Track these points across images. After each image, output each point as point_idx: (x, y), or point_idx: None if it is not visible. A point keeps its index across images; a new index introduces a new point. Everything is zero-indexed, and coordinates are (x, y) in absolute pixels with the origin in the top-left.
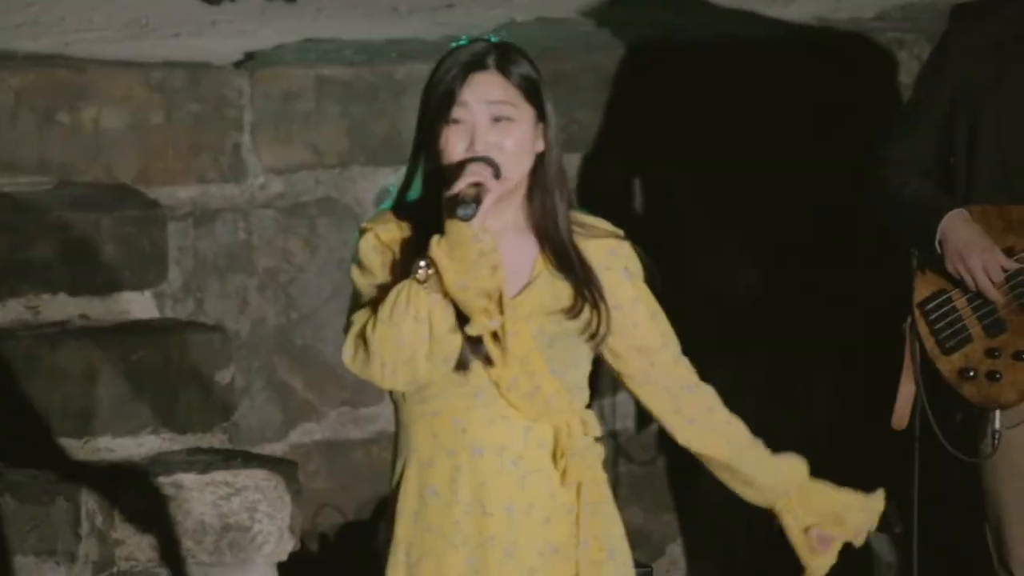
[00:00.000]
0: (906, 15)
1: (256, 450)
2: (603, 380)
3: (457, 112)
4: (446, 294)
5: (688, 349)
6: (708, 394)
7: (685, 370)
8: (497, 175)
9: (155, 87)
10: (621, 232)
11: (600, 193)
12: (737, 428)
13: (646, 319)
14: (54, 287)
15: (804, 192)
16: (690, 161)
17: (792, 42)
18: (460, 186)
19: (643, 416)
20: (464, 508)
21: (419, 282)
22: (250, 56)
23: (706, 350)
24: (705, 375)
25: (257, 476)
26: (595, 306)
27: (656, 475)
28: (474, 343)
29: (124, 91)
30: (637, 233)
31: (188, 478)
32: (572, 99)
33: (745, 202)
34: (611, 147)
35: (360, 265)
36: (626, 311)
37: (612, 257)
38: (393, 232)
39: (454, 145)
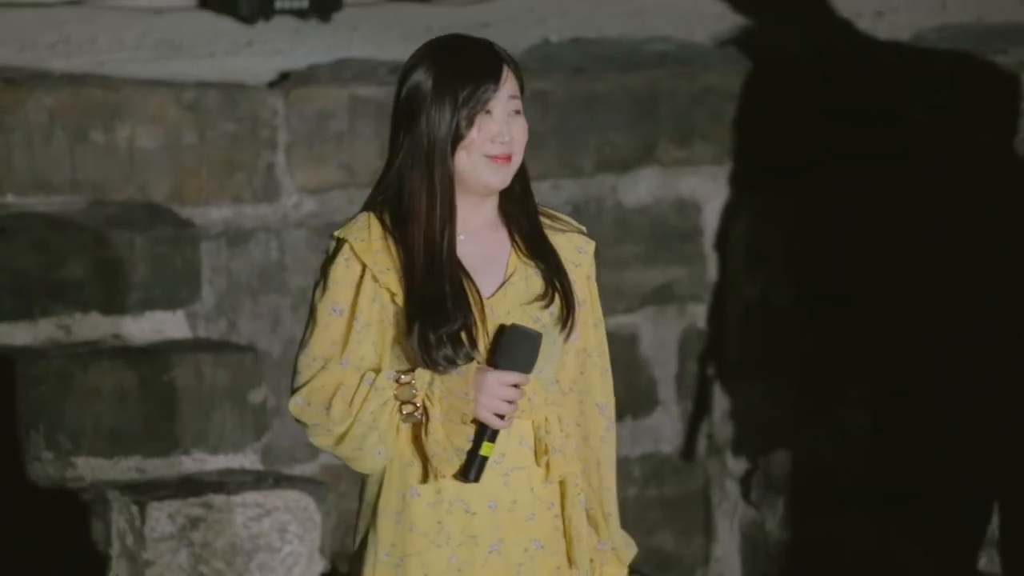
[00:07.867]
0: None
1: (287, 471)
2: (640, 400)
3: (492, 103)
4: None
5: (724, 359)
6: (604, 427)
7: (604, 388)
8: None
9: (189, 107)
10: (585, 229)
11: (636, 213)
12: (605, 475)
13: (591, 324)
14: (86, 306)
15: (880, 207)
16: (730, 179)
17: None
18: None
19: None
20: (447, 508)
21: (402, 417)
22: (284, 76)
23: (741, 362)
24: (739, 387)
25: (288, 497)
26: (565, 295)
27: (688, 499)
28: (455, 342)
29: (157, 110)
30: (676, 249)
31: (219, 499)
32: (606, 119)
33: (789, 218)
34: (646, 166)
35: (325, 284)
36: (586, 308)
37: (580, 255)
38: (369, 242)
39: (486, 133)
